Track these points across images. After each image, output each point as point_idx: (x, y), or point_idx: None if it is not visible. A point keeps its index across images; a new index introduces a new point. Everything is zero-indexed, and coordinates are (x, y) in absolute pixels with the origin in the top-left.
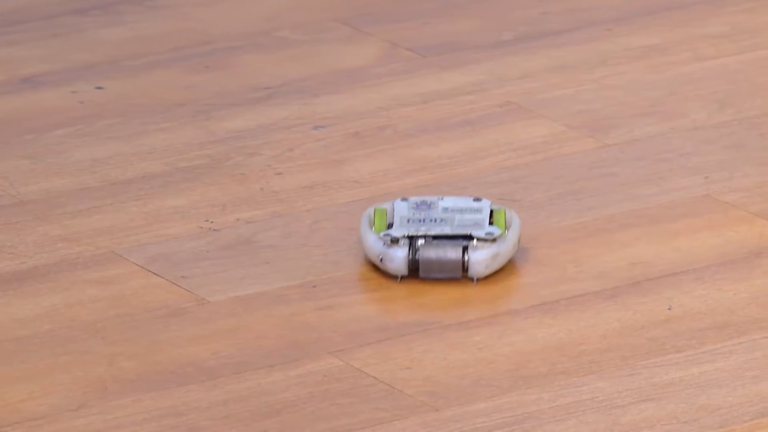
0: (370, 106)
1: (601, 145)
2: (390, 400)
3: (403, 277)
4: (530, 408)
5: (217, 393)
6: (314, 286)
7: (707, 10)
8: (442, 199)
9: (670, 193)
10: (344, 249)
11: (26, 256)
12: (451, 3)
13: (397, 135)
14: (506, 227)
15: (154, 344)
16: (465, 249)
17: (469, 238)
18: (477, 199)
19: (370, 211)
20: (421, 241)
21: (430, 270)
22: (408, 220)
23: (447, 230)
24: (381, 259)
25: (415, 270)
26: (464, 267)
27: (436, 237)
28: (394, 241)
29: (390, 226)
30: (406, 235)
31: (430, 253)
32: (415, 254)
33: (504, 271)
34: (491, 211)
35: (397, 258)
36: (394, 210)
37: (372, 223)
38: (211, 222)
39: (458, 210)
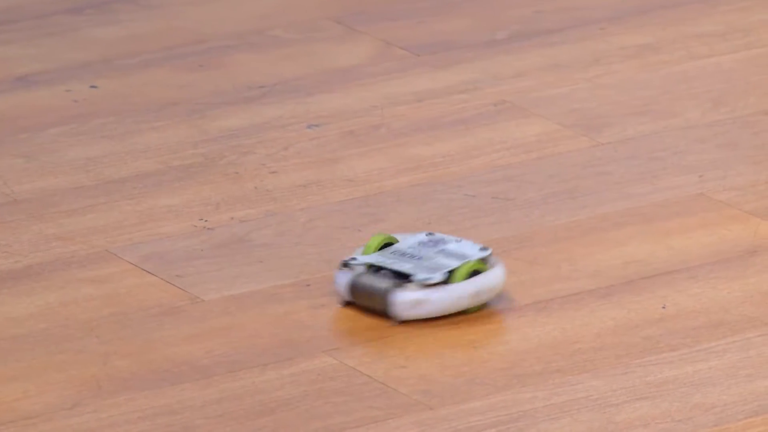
0: (364, 104)
1: (595, 144)
2: (384, 398)
3: (347, 303)
4: (525, 406)
5: (211, 391)
6: (308, 285)
7: (700, 9)
8: (459, 241)
9: (664, 191)
10: (338, 248)
11: (21, 254)
12: (444, 2)
13: (391, 134)
14: (462, 278)
15: (148, 343)
16: (395, 286)
17: (407, 277)
18: (483, 248)
19: (378, 236)
20: (368, 270)
21: (360, 298)
22: (393, 252)
23: (405, 267)
24: (335, 280)
25: (352, 294)
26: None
27: (389, 270)
28: (345, 265)
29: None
30: (366, 263)
31: (363, 281)
32: (354, 280)
33: None
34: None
35: (340, 282)
36: (401, 241)
37: (366, 246)
38: (205, 221)
39: (450, 253)
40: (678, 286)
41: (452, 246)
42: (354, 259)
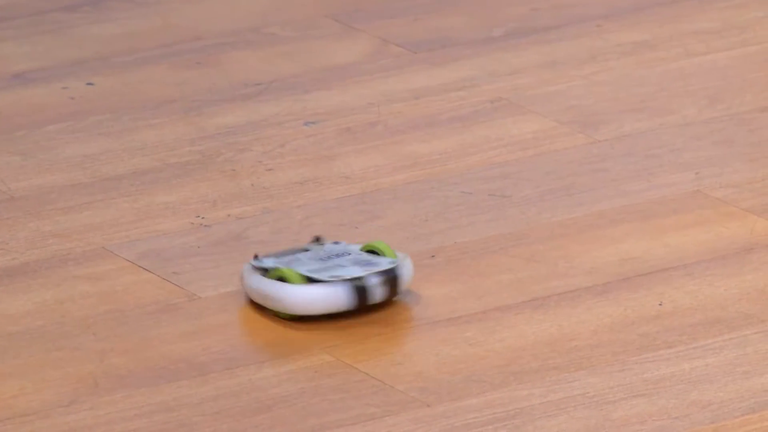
0: (360, 102)
1: (592, 141)
2: (381, 395)
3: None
4: (521, 403)
5: (208, 389)
6: None
7: (697, 6)
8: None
9: (661, 188)
10: None
11: (17, 252)
12: None
13: (387, 131)
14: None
15: (144, 340)
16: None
17: None
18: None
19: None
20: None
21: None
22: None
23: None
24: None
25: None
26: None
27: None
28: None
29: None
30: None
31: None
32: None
33: (494, 267)
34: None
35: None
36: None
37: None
38: (202, 218)
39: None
40: (674, 283)
41: (353, 267)
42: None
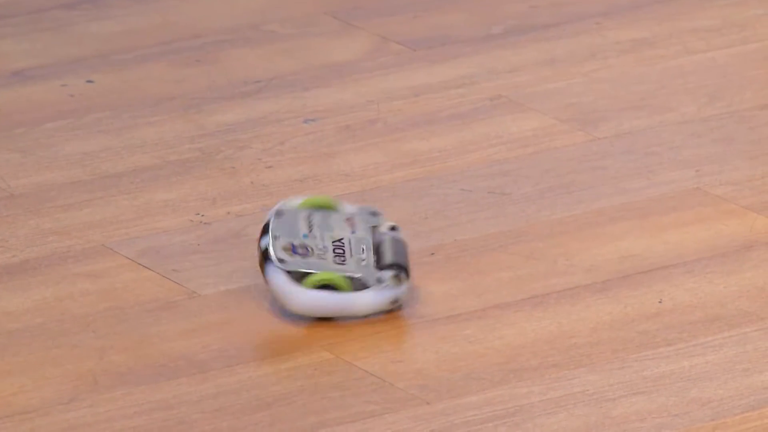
0: (360, 99)
1: (591, 139)
2: (381, 393)
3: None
4: (521, 401)
5: (207, 386)
6: None
7: (696, 3)
8: (300, 235)
9: (660, 186)
10: None
11: (17, 249)
12: None
13: (387, 128)
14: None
15: (144, 337)
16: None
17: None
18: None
19: (316, 282)
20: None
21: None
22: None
23: (356, 243)
24: (398, 301)
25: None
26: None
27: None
28: (397, 278)
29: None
30: (379, 268)
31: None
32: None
33: (494, 264)
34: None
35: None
36: (314, 266)
37: (340, 288)
38: (202, 215)
39: (317, 227)
40: (674, 280)
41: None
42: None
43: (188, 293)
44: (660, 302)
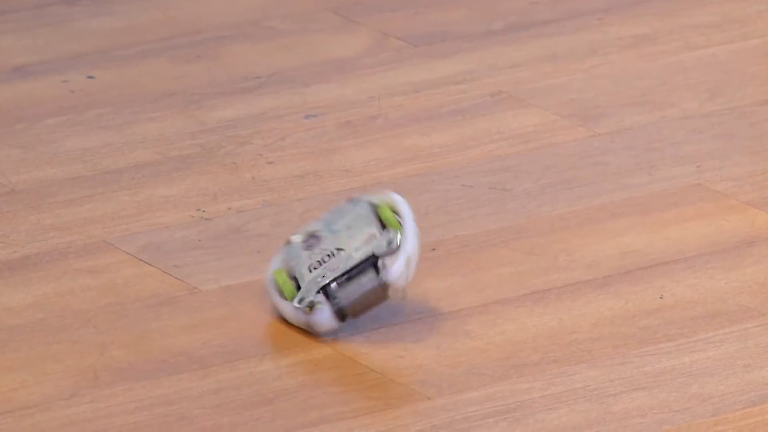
0: (361, 95)
1: (592, 134)
2: (382, 388)
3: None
4: (522, 397)
5: (208, 382)
6: None
7: None
8: (329, 225)
9: (661, 182)
10: None
11: (18, 245)
12: None
13: (388, 124)
14: (398, 221)
15: (145, 333)
16: (377, 271)
17: (375, 258)
18: (353, 201)
19: (271, 276)
20: (334, 286)
21: (358, 311)
22: (309, 268)
23: (351, 262)
24: (311, 328)
25: (344, 316)
26: (387, 288)
27: (341, 276)
28: (311, 306)
29: (296, 282)
30: (317, 291)
31: (349, 295)
32: (337, 304)
33: (495, 260)
34: (376, 210)
35: (324, 321)
36: (291, 260)
37: (281, 291)
38: (203, 211)
39: (346, 227)
40: (675, 276)
41: (333, 223)
42: (306, 299)
43: (189, 289)
44: (661, 298)
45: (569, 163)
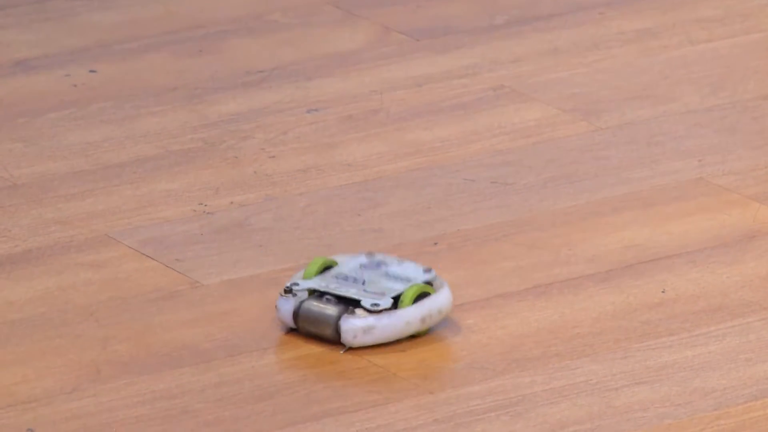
0: (363, 89)
1: (594, 129)
2: (384, 383)
3: (290, 329)
4: (524, 391)
5: (210, 376)
6: None
7: None
8: (401, 263)
9: (663, 176)
10: (337, 232)
11: (20, 239)
12: None
13: (390, 118)
14: (410, 303)
15: (147, 327)
16: (343, 313)
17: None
18: (427, 270)
19: (318, 259)
20: (312, 296)
21: (306, 324)
22: (335, 276)
23: (350, 292)
24: (275, 307)
25: (296, 321)
26: (338, 330)
27: (335, 296)
28: (288, 291)
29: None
30: (309, 288)
31: (309, 307)
32: (299, 306)
33: (497, 254)
34: (418, 284)
35: (284, 309)
36: (340, 263)
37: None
38: (205, 205)
39: (394, 276)
40: (677, 270)
41: (395, 268)
42: (296, 284)
43: (191, 283)
44: (663, 292)
45: (571, 158)
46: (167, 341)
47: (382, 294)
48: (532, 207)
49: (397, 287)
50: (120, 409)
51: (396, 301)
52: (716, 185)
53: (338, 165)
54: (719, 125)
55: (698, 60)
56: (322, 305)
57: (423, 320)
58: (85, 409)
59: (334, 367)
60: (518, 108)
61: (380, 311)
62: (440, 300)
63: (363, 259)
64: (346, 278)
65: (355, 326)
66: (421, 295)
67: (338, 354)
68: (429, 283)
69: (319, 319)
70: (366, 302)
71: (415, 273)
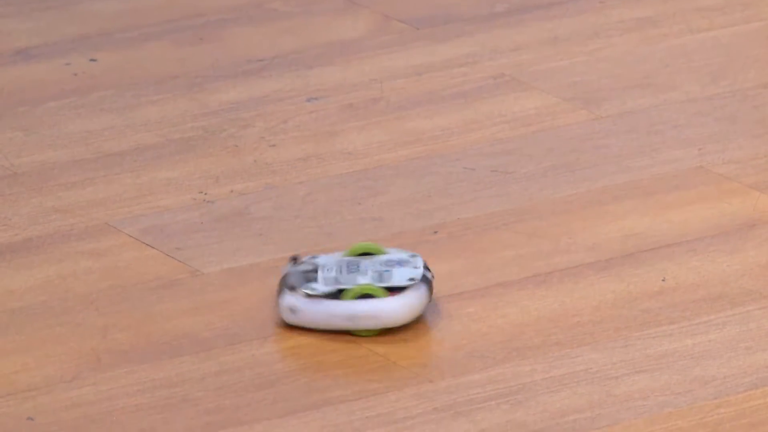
0: (363, 78)
1: (594, 117)
2: (384, 371)
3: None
4: (524, 379)
5: (210, 364)
6: None
7: None
8: (416, 267)
9: (664, 165)
10: (337, 221)
11: (20, 227)
12: None
13: (390, 107)
14: (350, 298)
15: (147, 316)
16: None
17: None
18: (412, 279)
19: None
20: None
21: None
22: (355, 264)
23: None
24: (287, 281)
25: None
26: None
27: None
28: (294, 259)
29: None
30: (319, 264)
31: (285, 274)
32: (286, 273)
33: (497, 243)
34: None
35: (281, 273)
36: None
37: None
38: (205, 194)
39: (383, 273)
40: (677, 259)
41: (398, 270)
42: (315, 257)
43: (191, 271)
44: (663, 281)
45: (571, 146)
46: (167, 330)
47: (343, 284)
48: (532, 196)
49: (357, 281)
50: (120, 397)
51: (341, 293)
52: (716, 174)
53: (338, 154)
54: (719, 114)
55: (699, 49)
56: (292, 278)
57: (350, 318)
58: (86, 397)
59: (335, 356)
60: (518, 97)
61: (313, 296)
62: (374, 306)
63: (403, 255)
64: (358, 268)
65: (283, 304)
66: (366, 295)
67: (338, 343)
68: (394, 287)
69: (278, 288)
70: (303, 286)
71: (401, 275)
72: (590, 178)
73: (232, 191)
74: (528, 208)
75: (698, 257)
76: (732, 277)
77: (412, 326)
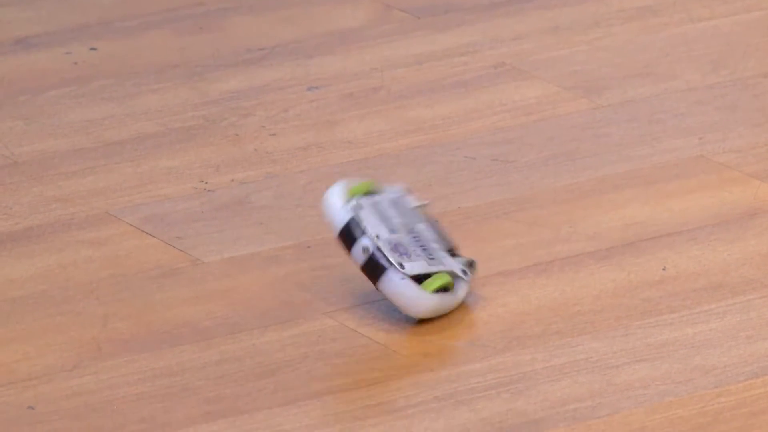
0: (363, 67)
1: (595, 106)
2: (385, 360)
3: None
4: (524, 368)
5: (211, 353)
6: (308, 247)
7: None
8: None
9: (664, 154)
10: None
11: (20, 216)
12: None
13: (390, 96)
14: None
15: (148, 305)
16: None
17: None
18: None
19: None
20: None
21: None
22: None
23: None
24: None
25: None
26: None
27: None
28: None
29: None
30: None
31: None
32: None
33: (497, 232)
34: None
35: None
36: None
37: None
38: (206, 183)
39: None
40: (678, 248)
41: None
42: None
43: (192, 260)
44: (664, 270)
45: (572, 135)
46: (168, 319)
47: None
48: (532, 184)
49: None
50: (121, 386)
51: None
52: (717, 163)
53: (339, 143)
54: (720, 103)
55: (699, 37)
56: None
57: (433, 311)
58: (86, 386)
59: (335, 345)
60: (519, 85)
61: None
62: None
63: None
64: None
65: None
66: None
67: (339, 331)
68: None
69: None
70: (457, 265)
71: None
72: (591, 167)
73: (232, 180)
74: (529, 197)
75: (699, 246)
76: (732, 266)
77: (405, 316)
